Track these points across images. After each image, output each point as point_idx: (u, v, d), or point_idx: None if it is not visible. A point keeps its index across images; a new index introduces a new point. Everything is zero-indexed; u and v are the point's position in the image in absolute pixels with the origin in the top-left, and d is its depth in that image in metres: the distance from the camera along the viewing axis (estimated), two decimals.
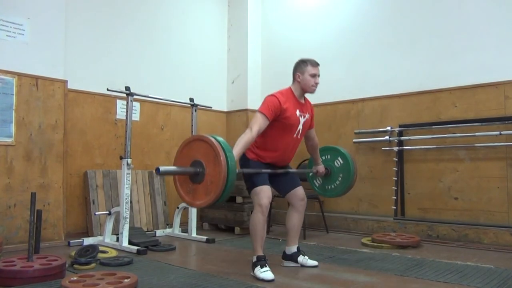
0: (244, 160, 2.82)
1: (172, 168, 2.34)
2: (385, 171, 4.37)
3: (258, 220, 2.64)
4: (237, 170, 2.28)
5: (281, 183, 2.93)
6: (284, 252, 2.99)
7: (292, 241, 2.95)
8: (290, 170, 2.97)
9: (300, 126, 2.84)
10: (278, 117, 2.70)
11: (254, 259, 2.65)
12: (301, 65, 2.87)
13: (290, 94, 2.84)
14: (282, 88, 2.88)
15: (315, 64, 2.88)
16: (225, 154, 2.18)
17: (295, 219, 2.93)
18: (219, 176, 2.17)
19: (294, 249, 2.95)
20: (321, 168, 3.21)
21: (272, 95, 2.75)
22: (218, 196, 2.20)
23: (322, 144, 4.87)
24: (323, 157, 3.30)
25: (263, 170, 2.77)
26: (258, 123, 2.62)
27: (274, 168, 2.86)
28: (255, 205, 2.68)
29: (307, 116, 2.91)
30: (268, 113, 2.65)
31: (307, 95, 2.99)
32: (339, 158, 3.26)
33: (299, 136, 2.87)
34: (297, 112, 2.81)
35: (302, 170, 3.11)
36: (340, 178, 3.26)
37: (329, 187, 3.33)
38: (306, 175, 3.43)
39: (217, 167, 2.18)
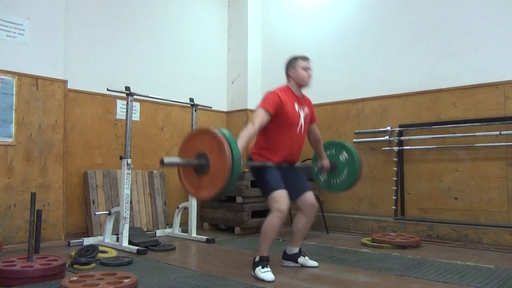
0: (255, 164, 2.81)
1: (177, 159, 2.35)
2: (385, 171, 4.37)
3: (275, 224, 2.61)
4: (243, 163, 2.27)
5: (291, 186, 2.86)
6: (285, 252, 2.99)
7: (296, 243, 2.95)
8: (296, 165, 2.95)
9: (302, 121, 2.85)
10: (278, 113, 2.71)
11: (257, 258, 2.65)
12: (291, 61, 2.92)
13: (288, 90, 2.87)
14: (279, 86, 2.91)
15: (306, 58, 2.92)
16: (230, 145, 2.18)
17: (302, 224, 2.90)
18: (224, 168, 2.16)
19: (295, 250, 2.95)
20: (326, 162, 3.18)
21: (271, 91, 2.78)
22: (222, 187, 2.19)
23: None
24: (328, 152, 3.28)
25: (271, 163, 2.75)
26: (260, 117, 2.63)
27: (281, 167, 2.83)
28: (274, 210, 2.61)
29: (307, 110, 2.92)
30: (268, 108, 2.67)
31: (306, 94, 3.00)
32: (344, 153, 3.22)
33: (302, 132, 2.87)
34: (296, 107, 2.83)
35: (308, 164, 3.09)
36: (345, 172, 3.21)
37: (335, 181, 3.28)
38: (311, 171, 3.41)
39: (222, 159, 2.18)
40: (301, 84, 2.89)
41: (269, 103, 2.69)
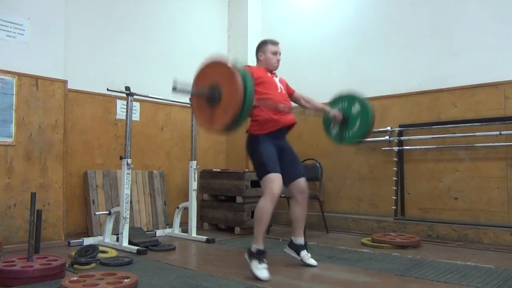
0: (251, 138, 2.87)
1: (189, 86, 2.41)
2: (385, 171, 4.37)
3: (267, 206, 2.65)
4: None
5: (285, 168, 2.87)
6: (291, 241, 3.02)
7: (297, 232, 2.99)
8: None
9: (279, 84, 3.00)
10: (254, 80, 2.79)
11: (254, 249, 2.66)
12: (262, 45, 3.06)
13: (258, 67, 3.02)
14: None
15: (275, 43, 3.06)
16: (241, 73, 2.24)
17: (297, 211, 2.96)
18: (236, 95, 2.20)
19: (301, 241, 2.98)
20: (337, 112, 3.19)
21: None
22: (237, 111, 2.21)
23: (322, 143, 4.85)
24: (340, 105, 3.27)
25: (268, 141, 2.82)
26: None
27: (278, 142, 2.86)
28: (267, 192, 2.68)
29: (281, 82, 3.05)
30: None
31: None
32: (356, 104, 3.20)
33: (283, 92, 3.00)
34: (269, 74, 2.99)
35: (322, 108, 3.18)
36: (358, 123, 3.18)
37: (347, 133, 3.24)
38: (323, 123, 3.39)
39: (233, 87, 2.22)
40: (269, 68, 3.02)
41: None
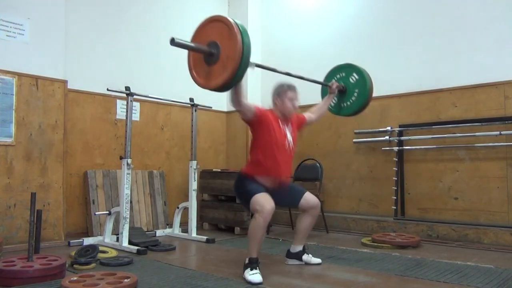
0: (240, 178, 2.82)
1: (187, 41, 2.38)
2: (385, 171, 4.37)
3: (260, 225, 2.55)
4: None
5: (286, 196, 2.85)
6: (289, 251, 3.02)
7: (299, 241, 2.98)
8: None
9: (289, 136, 2.85)
10: (263, 124, 2.72)
11: (247, 260, 2.62)
12: (279, 91, 2.90)
13: (273, 112, 2.87)
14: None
15: (292, 88, 2.90)
16: (239, 28, 2.22)
17: (306, 223, 2.93)
18: (234, 49, 2.19)
19: (299, 248, 2.98)
20: (334, 82, 3.19)
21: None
22: (235, 69, 2.20)
23: (322, 143, 4.88)
24: (338, 76, 3.25)
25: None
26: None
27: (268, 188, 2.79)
28: (258, 211, 2.54)
29: (291, 127, 2.91)
30: (257, 108, 2.70)
31: None
32: (354, 74, 3.17)
33: (291, 148, 2.86)
34: (280, 124, 2.83)
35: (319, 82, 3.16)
36: (355, 94, 3.17)
37: (345, 104, 3.24)
38: (322, 96, 3.36)
39: (232, 41, 2.21)
40: (285, 114, 2.88)
41: (259, 107, 2.74)
